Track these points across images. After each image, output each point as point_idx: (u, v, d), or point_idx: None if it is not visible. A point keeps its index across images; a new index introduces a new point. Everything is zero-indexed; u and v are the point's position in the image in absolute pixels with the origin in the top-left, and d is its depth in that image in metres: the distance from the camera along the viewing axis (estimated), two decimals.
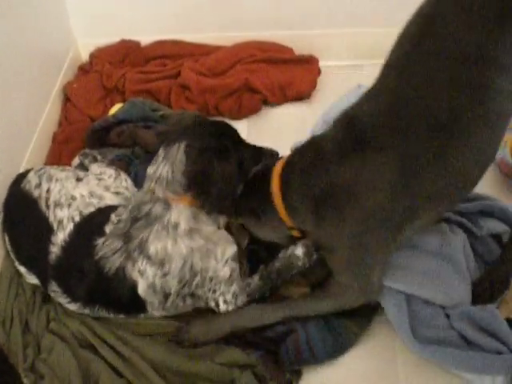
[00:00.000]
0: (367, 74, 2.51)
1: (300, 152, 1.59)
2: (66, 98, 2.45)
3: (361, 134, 1.42)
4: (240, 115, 2.36)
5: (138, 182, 1.97)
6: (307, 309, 1.62)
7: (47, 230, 1.64)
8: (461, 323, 1.57)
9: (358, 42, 2.55)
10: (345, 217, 1.45)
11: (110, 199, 1.77)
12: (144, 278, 1.52)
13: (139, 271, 1.52)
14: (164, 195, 1.53)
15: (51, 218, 1.66)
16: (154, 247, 1.51)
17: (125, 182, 1.90)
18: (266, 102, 2.42)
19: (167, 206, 1.53)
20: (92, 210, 1.68)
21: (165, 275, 1.53)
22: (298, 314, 1.62)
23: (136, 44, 2.62)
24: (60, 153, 2.23)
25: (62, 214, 1.66)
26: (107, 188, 1.81)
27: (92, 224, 1.62)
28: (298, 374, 1.59)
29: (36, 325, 1.70)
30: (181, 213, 1.53)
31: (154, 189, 1.54)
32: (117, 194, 1.82)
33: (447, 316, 1.63)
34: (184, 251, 1.53)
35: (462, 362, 1.50)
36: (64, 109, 2.43)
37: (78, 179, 1.80)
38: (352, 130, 1.45)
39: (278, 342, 1.61)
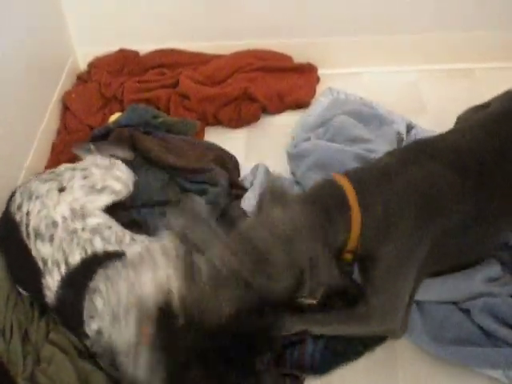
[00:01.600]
0: (366, 81, 2.55)
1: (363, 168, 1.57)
2: (65, 108, 2.44)
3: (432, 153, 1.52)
4: (239, 124, 2.36)
5: (140, 191, 1.95)
6: (328, 328, 1.58)
7: (34, 268, 1.58)
8: (481, 316, 1.58)
9: (357, 50, 2.56)
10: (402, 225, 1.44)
11: (95, 213, 1.68)
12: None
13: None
14: None
15: (34, 252, 1.59)
16: None
17: (118, 171, 1.83)
18: (265, 111, 2.42)
19: None
20: (77, 256, 1.57)
21: None
22: (318, 330, 1.57)
23: (134, 53, 2.62)
24: (59, 163, 2.21)
25: (45, 250, 1.59)
26: (92, 188, 1.73)
27: (80, 291, 1.53)
28: (298, 381, 1.58)
29: (35, 335, 1.67)
30: None
31: None
32: (103, 189, 1.75)
33: (464, 310, 1.64)
34: None
35: (484, 359, 1.51)
36: (63, 118, 2.42)
37: (61, 189, 1.71)
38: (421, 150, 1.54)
39: (285, 346, 1.60)
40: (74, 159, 2.25)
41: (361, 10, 2.45)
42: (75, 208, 1.66)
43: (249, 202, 1.94)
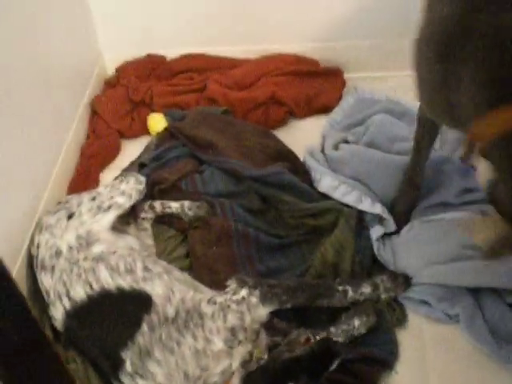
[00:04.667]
0: (391, 85, 2.55)
1: None
2: (94, 112, 2.47)
3: None
4: (267, 127, 2.36)
5: (215, 178, 2.06)
6: None
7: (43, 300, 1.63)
8: None
9: (383, 54, 2.56)
10: None
11: (100, 236, 1.67)
12: None
13: None
14: None
15: (39, 285, 1.63)
16: None
17: (123, 184, 1.83)
18: (292, 114, 2.43)
19: None
20: (81, 291, 1.54)
21: None
22: None
23: (162, 58, 2.64)
24: (89, 167, 2.26)
25: (47, 281, 1.60)
26: (99, 208, 1.74)
27: (97, 339, 1.50)
28: None
29: None
30: None
31: None
32: (109, 207, 1.75)
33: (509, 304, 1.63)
34: None
35: None
36: (91, 123, 2.45)
37: (70, 216, 1.71)
38: None
39: None
40: (103, 163, 2.29)
41: (386, 12, 2.46)
42: (81, 235, 1.66)
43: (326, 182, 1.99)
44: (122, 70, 2.63)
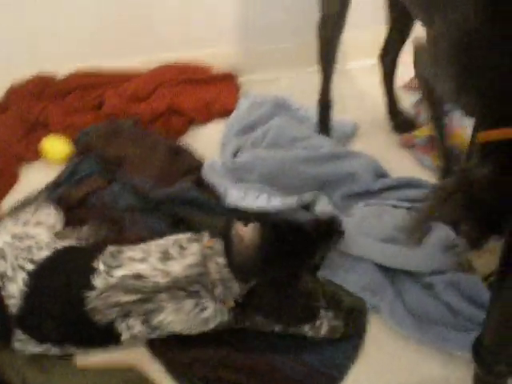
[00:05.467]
0: (284, 86, 2.64)
1: None
2: None
3: None
4: (168, 138, 2.35)
5: (124, 193, 2.04)
6: None
7: None
8: (447, 293, 1.62)
9: (273, 57, 2.65)
10: None
11: (42, 233, 1.67)
12: (129, 331, 1.50)
13: (127, 326, 1.49)
14: None
15: None
16: (162, 318, 1.48)
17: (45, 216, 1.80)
18: (192, 122, 2.45)
19: None
20: (44, 253, 1.57)
21: (149, 333, 1.53)
22: None
23: (52, 77, 2.58)
24: None
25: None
26: (26, 223, 1.72)
27: (65, 272, 1.54)
28: None
29: None
30: None
31: None
32: (37, 224, 1.73)
33: (426, 286, 1.69)
34: None
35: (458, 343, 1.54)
36: None
37: None
38: None
39: None
40: (2, 192, 2.20)
41: (274, 16, 2.57)
42: (17, 233, 1.65)
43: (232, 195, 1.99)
44: (12, 93, 2.53)
